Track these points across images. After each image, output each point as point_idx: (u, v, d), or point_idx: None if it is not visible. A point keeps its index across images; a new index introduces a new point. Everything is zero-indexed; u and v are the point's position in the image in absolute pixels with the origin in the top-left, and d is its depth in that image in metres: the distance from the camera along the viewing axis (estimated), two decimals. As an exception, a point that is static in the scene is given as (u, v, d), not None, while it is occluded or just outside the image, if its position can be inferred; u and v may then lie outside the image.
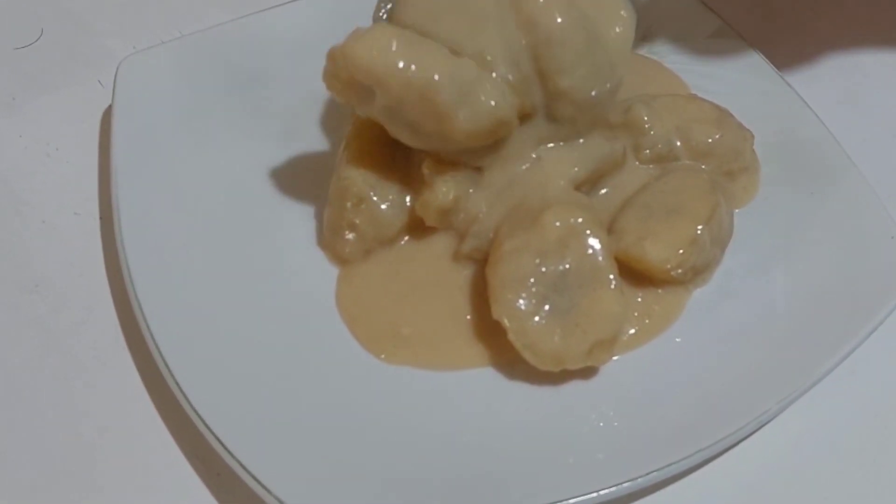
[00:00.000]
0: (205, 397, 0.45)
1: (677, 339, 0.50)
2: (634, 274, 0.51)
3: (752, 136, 0.56)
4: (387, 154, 0.52)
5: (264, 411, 0.46)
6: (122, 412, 0.49)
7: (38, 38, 0.65)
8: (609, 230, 0.51)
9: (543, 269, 0.47)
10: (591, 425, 0.46)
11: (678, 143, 0.55)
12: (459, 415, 0.47)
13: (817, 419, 0.50)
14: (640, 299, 0.51)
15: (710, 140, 0.55)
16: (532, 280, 0.47)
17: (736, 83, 0.60)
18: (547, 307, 0.47)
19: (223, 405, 0.45)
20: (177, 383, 0.46)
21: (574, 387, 0.48)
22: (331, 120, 0.57)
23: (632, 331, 0.50)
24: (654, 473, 0.44)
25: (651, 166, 0.55)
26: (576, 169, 0.51)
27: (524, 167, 0.51)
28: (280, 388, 0.47)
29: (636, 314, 0.50)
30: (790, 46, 0.66)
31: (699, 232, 0.50)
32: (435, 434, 0.46)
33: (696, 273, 0.52)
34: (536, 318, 0.47)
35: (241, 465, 0.43)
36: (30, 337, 0.51)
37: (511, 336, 0.47)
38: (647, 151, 0.55)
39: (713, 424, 0.46)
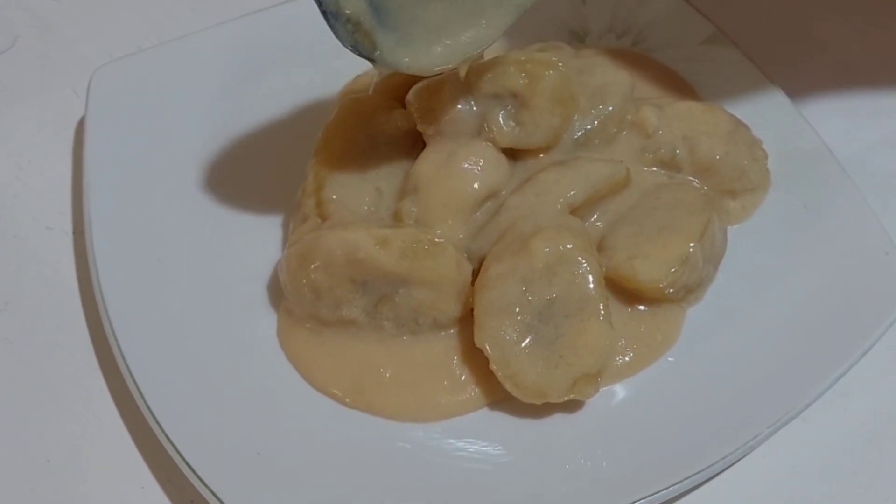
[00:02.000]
0: (177, 423, 0.44)
1: (669, 359, 0.49)
2: (625, 292, 0.50)
3: (766, 155, 0.54)
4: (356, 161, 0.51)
5: (237, 438, 0.45)
6: (93, 436, 0.48)
7: (12, 45, 0.63)
8: (599, 247, 0.50)
9: (529, 298, 0.46)
10: (576, 457, 0.45)
11: (681, 153, 0.53)
12: (439, 450, 0.45)
13: (808, 443, 0.49)
14: (634, 324, 0.49)
15: (716, 156, 0.53)
16: (517, 308, 0.46)
17: (728, 91, 0.59)
18: (531, 337, 0.46)
19: (196, 431, 0.44)
20: (149, 410, 0.44)
21: (558, 419, 0.46)
22: (310, 131, 0.55)
23: (626, 358, 0.48)
24: (641, 502, 0.43)
25: (654, 169, 0.53)
26: (573, 192, 0.49)
27: (518, 187, 0.49)
28: (254, 416, 0.46)
29: (635, 346, 0.49)
30: (785, 54, 0.64)
31: (691, 250, 0.49)
32: (413, 472, 0.45)
33: (689, 291, 0.50)
34: (520, 348, 0.45)
35: (213, 493, 0.42)
36: (-1, 358, 0.50)
37: (493, 365, 0.45)
38: (651, 155, 0.53)
39: (701, 451, 0.45)
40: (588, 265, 0.46)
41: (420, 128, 0.50)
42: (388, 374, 0.47)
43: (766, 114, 0.57)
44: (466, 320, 0.48)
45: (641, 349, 0.49)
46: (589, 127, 0.52)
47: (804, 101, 0.58)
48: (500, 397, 0.47)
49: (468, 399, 0.47)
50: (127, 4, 0.66)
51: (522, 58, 0.50)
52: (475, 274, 0.48)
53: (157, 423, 0.44)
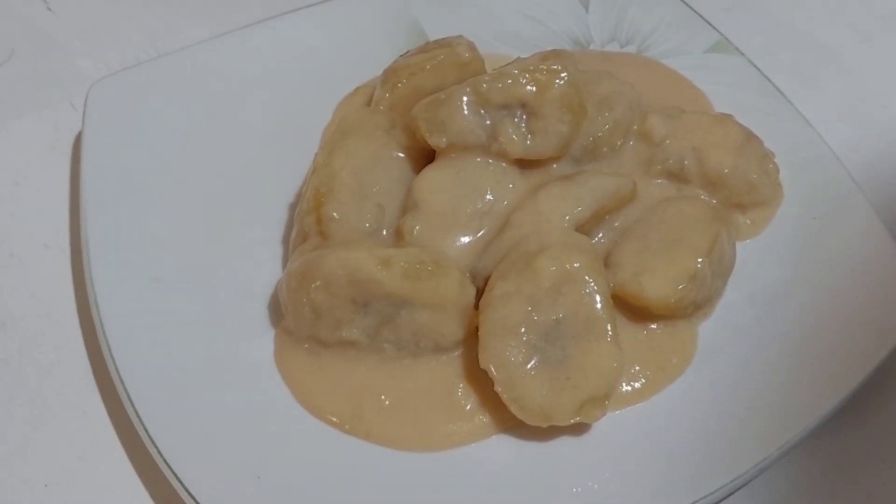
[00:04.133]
0: (175, 446, 0.44)
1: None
2: (633, 309, 0.49)
3: (777, 170, 0.53)
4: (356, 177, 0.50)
5: (237, 462, 0.44)
6: (91, 459, 0.47)
7: (9, 58, 0.62)
8: (605, 263, 0.49)
9: (535, 318, 0.45)
10: (583, 481, 0.44)
11: (690, 164, 0.52)
12: (442, 477, 0.44)
13: (819, 459, 0.48)
14: (648, 348, 0.48)
15: (724, 170, 0.52)
16: (523, 329, 0.45)
17: (734, 100, 0.58)
18: (537, 358, 0.45)
19: (194, 454, 0.44)
20: (147, 432, 0.44)
21: (564, 442, 0.46)
22: (309, 146, 0.55)
23: (637, 385, 0.47)
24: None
25: (662, 181, 0.53)
26: (579, 208, 0.48)
27: (523, 204, 0.49)
28: (254, 440, 0.45)
29: (648, 372, 0.48)
30: (791, 62, 0.64)
31: (699, 265, 0.48)
32: (417, 499, 0.44)
33: (697, 307, 0.49)
34: (525, 370, 0.44)
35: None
36: (-4, 380, 0.49)
37: (498, 387, 0.44)
38: (658, 167, 0.53)
39: (710, 473, 0.44)
40: (595, 284, 0.45)
41: (430, 141, 0.49)
42: (387, 402, 0.46)
43: (772, 123, 0.56)
44: (468, 343, 0.47)
45: (655, 373, 0.48)
46: (600, 134, 0.51)
47: (811, 110, 0.57)
48: (503, 428, 0.46)
49: (470, 430, 0.46)
50: (124, 17, 0.65)
51: (530, 67, 0.49)
52: (480, 293, 0.47)
53: (155, 445, 0.43)
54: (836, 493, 0.47)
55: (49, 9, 0.65)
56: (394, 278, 0.45)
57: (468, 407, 0.46)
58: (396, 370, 0.47)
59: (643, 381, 0.47)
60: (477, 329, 0.46)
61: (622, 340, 0.46)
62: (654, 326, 0.49)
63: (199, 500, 0.42)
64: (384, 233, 0.49)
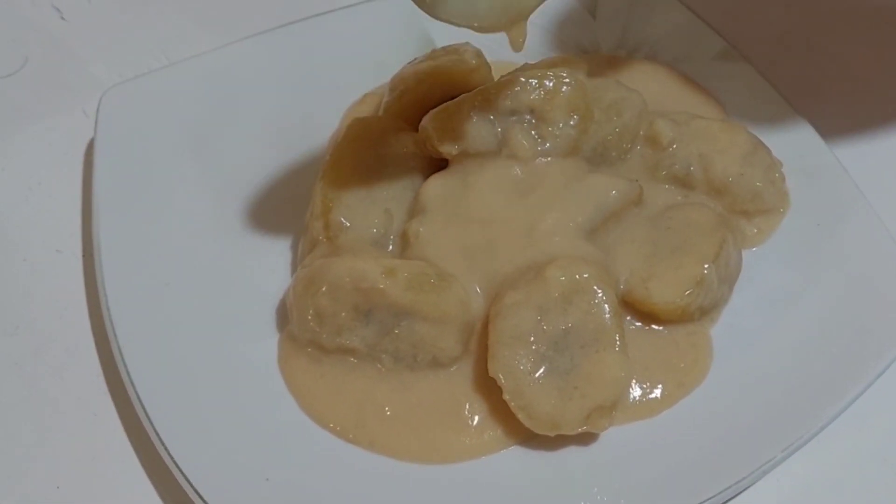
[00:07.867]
0: (185, 448, 0.44)
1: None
2: (643, 315, 0.49)
3: (783, 178, 0.54)
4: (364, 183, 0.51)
5: (246, 463, 0.45)
6: (103, 461, 0.48)
7: (22, 66, 0.63)
8: (612, 269, 0.49)
9: (545, 327, 0.45)
10: (591, 492, 0.45)
11: (696, 170, 0.53)
12: (448, 486, 0.45)
13: (823, 463, 0.48)
14: (664, 358, 0.49)
15: (729, 178, 0.52)
16: (532, 338, 0.45)
17: (740, 108, 0.59)
18: (546, 367, 0.45)
19: (204, 456, 0.44)
20: (158, 435, 0.44)
21: (571, 451, 0.46)
22: (318, 152, 0.55)
23: (653, 395, 0.48)
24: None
25: (668, 186, 0.53)
26: (580, 218, 0.49)
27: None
28: (263, 442, 0.46)
29: (670, 387, 0.48)
30: (797, 70, 0.64)
31: (706, 271, 0.48)
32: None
33: (704, 313, 0.50)
34: (534, 378, 0.45)
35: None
36: (9, 382, 0.50)
37: (506, 395, 0.45)
38: (664, 172, 0.53)
39: (715, 475, 0.44)
40: (604, 295, 0.46)
41: (441, 149, 0.50)
42: (388, 412, 0.47)
43: (777, 130, 0.57)
44: (465, 361, 0.47)
45: (673, 389, 0.48)
46: (609, 138, 0.52)
47: (816, 118, 0.57)
48: (506, 443, 0.46)
49: (473, 445, 0.46)
50: (137, 25, 0.66)
51: (538, 74, 0.50)
52: (489, 302, 0.47)
53: (165, 447, 0.44)
54: (838, 494, 0.48)
55: (62, 18, 0.66)
56: (396, 287, 0.45)
57: (469, 422, 0.46)
58: (395, 382, 0.47)
59: (658, 394, 0.48)
60: (476, 346, 0.47)
61: (636, 350, 0.46)
62: (667, 332, 0.49)
63: (207, 501, 0.43)
64: (391, 238, 0.50)
